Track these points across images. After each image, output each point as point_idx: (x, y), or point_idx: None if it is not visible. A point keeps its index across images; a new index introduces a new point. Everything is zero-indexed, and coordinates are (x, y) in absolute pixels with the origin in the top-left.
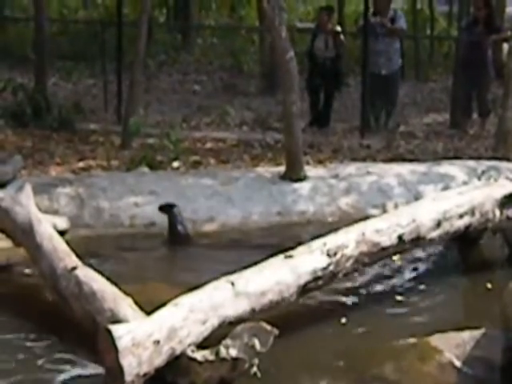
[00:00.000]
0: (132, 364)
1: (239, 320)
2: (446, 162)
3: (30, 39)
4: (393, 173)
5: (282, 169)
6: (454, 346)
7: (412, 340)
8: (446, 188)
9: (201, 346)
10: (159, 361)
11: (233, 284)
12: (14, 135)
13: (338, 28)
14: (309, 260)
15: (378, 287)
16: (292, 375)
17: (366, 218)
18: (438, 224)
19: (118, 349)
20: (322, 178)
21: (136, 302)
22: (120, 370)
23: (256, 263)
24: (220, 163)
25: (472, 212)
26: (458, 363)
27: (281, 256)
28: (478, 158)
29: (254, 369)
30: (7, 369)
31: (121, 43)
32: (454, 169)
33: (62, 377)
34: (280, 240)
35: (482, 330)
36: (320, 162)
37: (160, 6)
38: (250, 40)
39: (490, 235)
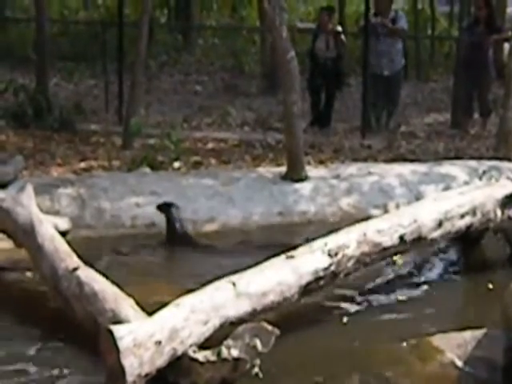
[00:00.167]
0: (133, 364)
1: (240, 320)
2: (447, 162)
3: (31, 40)
4: (394, 173)
5: (283, 169)
6: (455, 346)
7: (413, 340)
8: (447, 188)
9: (202, 346)
10: (161, 361)
11: (234, 284)
12: (16, 136)
13: (339, 28)
14: (310, 260)
15: (380, 287)
16: (293, 375)
17: (368, 218)
18: (440, 224)
19: (119, 349)
20: (323, 179)
21: (137, 303)
22: (121, 370)
23: (257, 263)
24: (221, 163)
25: (473, 212)
26: (459, 363)
27: (282, 256)
28: (479, 158)
29: (256, 369)
30: (7, 370)
31: (122, 44)
32: (455, 169)
33: (63, 377)
34: (281, 240)
35: (484, 330)
36: (321, 162)
37: (161, 6)
38: (251, 40)
39: (491, 235)
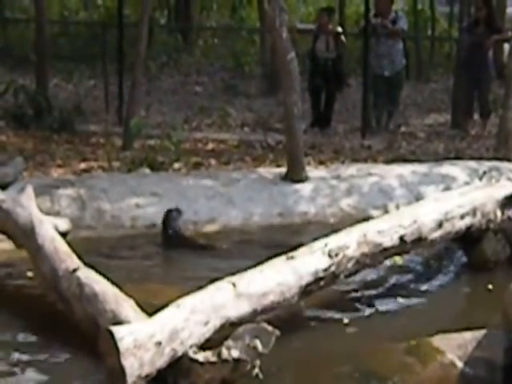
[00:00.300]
0: (134, 365)
1: (241, 321)
2: (448, 162)
3: (31, 40)
4: (394, 174)
5: (283, 170)
6: (455, 347)
7: (414, 341)
8: (447, 189)
9: (202, 347)
10: (161, 362)
11: (234, 285)
12: (15, 137)
13: (339, 29)
14: (310, 261)
15: (380, 288)
16: (294, 376)
17: (368, 218)
18: (440, 225)
19: (119, 350)
20: (324, 179)
21: (137, 304)
22: (122, 371)
23: (257, 264)
24: (221, 164)
25: (473, 212)
26: (459, 364)
27: (282, 257)
28: (480, 158)
29: (256, 370)
30: (6, 370)
31: (122, 44)
32: (455, 169)
33: (63, 378)
34: (281, 241)
35: (484, 331)
36: (321, 163)
37: (161, 7)
38: (251, 41)
39: (491, 236)
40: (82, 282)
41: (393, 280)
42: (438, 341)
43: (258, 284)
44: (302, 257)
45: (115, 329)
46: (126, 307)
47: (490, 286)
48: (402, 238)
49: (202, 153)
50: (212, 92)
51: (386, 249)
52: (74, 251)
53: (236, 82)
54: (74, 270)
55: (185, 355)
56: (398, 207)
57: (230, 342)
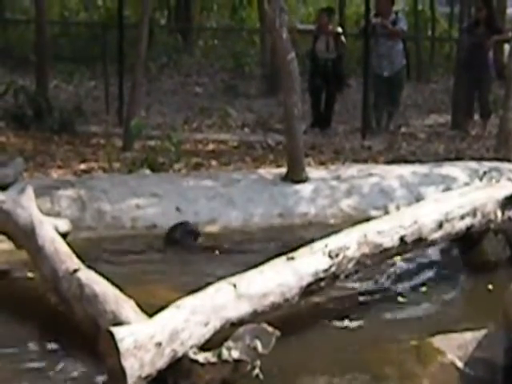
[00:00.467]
0: (134, 366)
1: (241, 322)
2: (448, 163)
3: (31, 41)
4: (394, 174)
5: (283, 170)
6: (456, 347)
7: (414, 341)
8: (447, 189)
9: (203, 348)
10: (161, 363)
11: (235, 286)
12: (16, 137)
13: (339, 29)
14: (311, 261)
15: (380, 288)
16: (294, 376)
17: (368, 219)
18: (440, 225)
19: (119, 351)
20: (324, 180)
21: (138, 304)
22: (122, 372)
23: (258, 265)
24: (221, 165)
25: (474, 213)
26: (460, 364)
27: (283, 258)
28: (480, 159)
29: (256, 371)
30: (6, 371)
31: (122, 45)
32: (455, 170)
33: (62, 378)
34: (281, 241)
35: (484, 331)
36: (321, 164)
37: (161, 7)
38: (251, 41)
39: (491, 236)
40: (83, 282)
41: (393, 280)
42: (439, 341)
43: (258, 285)
44: (302, 257)
45: (115, 329)
46: (127, 308)
47: (490, 287)
48: (402, 239)
49: (202, 153)
50: (212, 93)
51: (386, 249)
52: (75, 252)
53: (236, 83)
54: (75, 271)
55: (185, 356)
56: (398, 208)
57: (230, 343)
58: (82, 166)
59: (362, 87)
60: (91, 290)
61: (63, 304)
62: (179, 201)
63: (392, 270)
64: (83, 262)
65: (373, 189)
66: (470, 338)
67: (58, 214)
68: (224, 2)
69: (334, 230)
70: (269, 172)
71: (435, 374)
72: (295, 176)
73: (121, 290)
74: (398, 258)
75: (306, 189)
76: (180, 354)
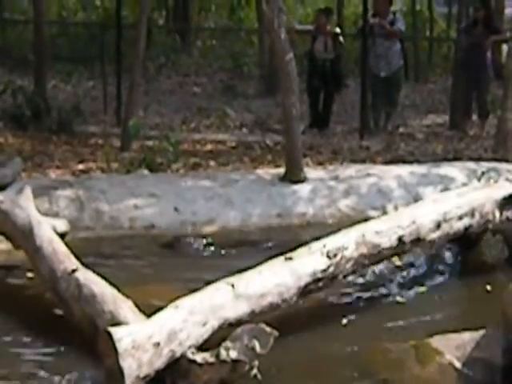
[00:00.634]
0: (132, 366)
1: (239, 322)
2: (446, 163)
3: (30, 41)
4: (392, 174)
5: (281, 171)
6: (454, 348)
7: (412, 342)
8: (445, 189)
9: (201, 348)
10: (159, 363)
11: (233, 286)
12: (14, 138)
13: (337, 30)
14: (309, 262)
15: (378, 289)
16: (292, 377)
17: (366, 219)
18: (438, 225)
19: (118, 351)
20: (322, 180)
21: (136, 305)
22: (120, 372)
23: (256, 265)
24: (219, 165)
25: (472, 213)
26: (458, 365)
27: (281, 258)
28: (478, 159)
29: (254, 371)
30: (6, 371)
31: (120, 45)
32: (453, 170)
33: (62, 379)
34: (280, 242)
35: (483, 332)
36: (320, 164)
37: (159, 8)
38: (250, 42)
39: (489, 236)
40: (81, 282)
41: (391, 281)
42: (437, 341)
43: (256, 285)
44: (300, 258)
45: (114, 330)
46: (125, 308)
47: (489, 287)
48: (400, 239)
49: (200, 154)
50: (210, 93)
51: (384, 249)
52: (73, 252)
53: (234, 83)
54: (73, 271)
55: (183, 356)
56: (396, 208)
57: (228, 343)
58: (80, 166)
59: (360, 87)
60: (89, 290)
61: (61, 304)
62: (177, 201)
63: (390, 270)
64: (81, 262)
65: (371, 189)
66: (468, 338)
67: (56, 214)
68: (222, 3)
69: (332, 230)
70: (267, 172)
71: (433, 375)
72: (293, 176)
73: (119, 290)
74: (396, 259)
75: (304, 189)
76: (178, 354)
